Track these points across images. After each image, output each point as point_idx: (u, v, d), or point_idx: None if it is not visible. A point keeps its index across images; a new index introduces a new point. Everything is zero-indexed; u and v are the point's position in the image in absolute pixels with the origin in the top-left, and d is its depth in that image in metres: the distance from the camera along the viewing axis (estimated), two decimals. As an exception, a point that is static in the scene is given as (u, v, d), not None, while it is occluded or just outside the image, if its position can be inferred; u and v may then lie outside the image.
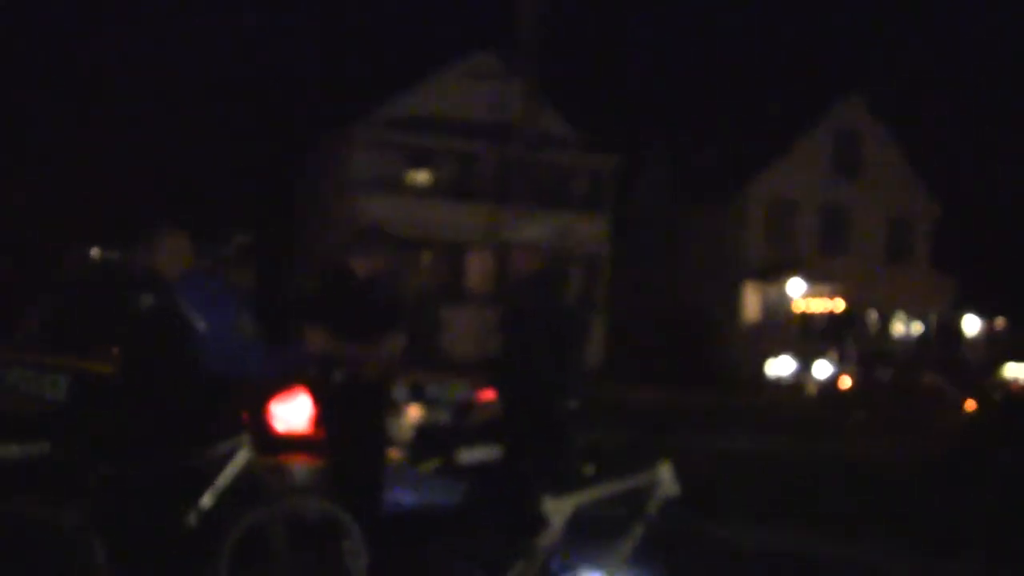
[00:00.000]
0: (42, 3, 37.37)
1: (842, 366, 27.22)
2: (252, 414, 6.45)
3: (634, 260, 41.93)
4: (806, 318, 31.86)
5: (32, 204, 29.89)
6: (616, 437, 11.20)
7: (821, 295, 27.24)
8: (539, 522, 5.63)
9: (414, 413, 7.72)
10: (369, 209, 35.00)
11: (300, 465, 7.17)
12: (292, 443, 7.15)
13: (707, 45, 48.57)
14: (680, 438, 15.09)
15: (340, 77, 42.60)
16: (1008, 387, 25.99)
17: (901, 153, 43.77)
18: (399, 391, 7.54)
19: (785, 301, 35.75)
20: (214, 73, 38.55)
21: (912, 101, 46.31)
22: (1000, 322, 26.77)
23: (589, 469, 6.01)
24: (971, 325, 26.14)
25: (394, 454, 7.27)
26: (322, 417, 7.12)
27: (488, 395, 7.26)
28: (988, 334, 26.81)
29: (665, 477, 5.77)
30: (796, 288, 26.03)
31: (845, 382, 25.57)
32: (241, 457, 6.02)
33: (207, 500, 5.93)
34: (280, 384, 7.20)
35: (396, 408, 7.46)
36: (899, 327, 28.14)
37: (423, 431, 7.03)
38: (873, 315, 29.71)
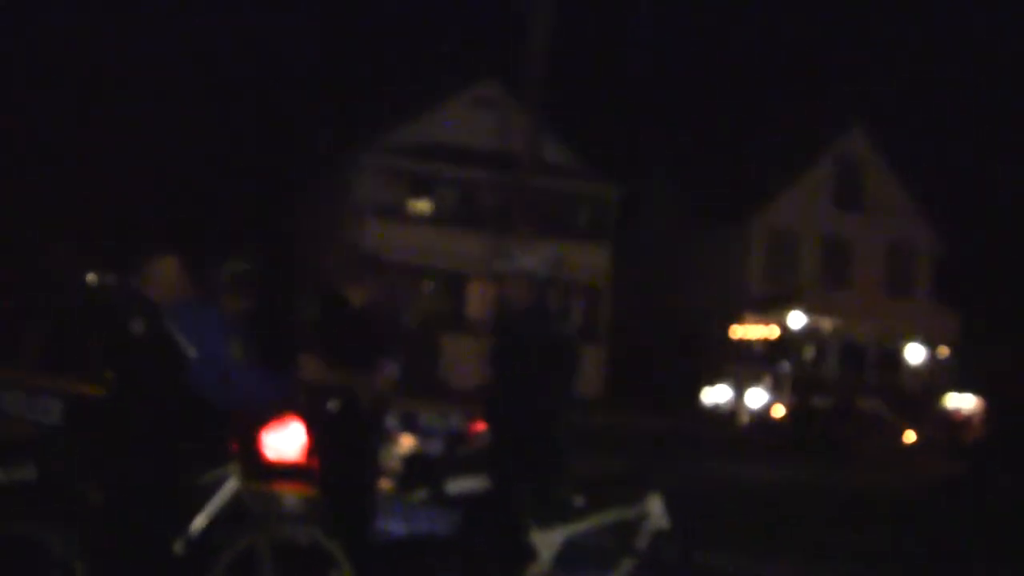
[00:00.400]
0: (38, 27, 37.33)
1: (776, 394, 26.51)
2: (243, 442, 6.43)
3: (636, 290, 41.89)
4: (743, 345, 30.95)
5: (30, 226, 29.90)
6: (608, 467, 11.17)
7: (823, 327, 26.88)
8: (528, 553, 5.62)
9: (406, 443, 7.72)
10: (371, 235, 35.03)
11: (291, 493, 7.15)
12: (284, 471, 7.13)
13: (709, 76, 48.62)
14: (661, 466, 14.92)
15: (347, 104, 42.74)
16: (949, 417, 25.50)
17: (903, 185, 43.73)
18: (392, 420, 7.53)
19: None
20: (220, 96, 38.70)
21: (914, 133, 46.31)
22: (944, 351, 26.17)
23: (579, 500, 5.99)
24: (915, 353, 25.49)
25: (385, 484, 7.25)
26: (314, 446, 7.11)
27: (481, 426, 7.25)
28: (932, 362, 26.13)
29: (655, 510, 5.77)
30: (796, 320, 25.71)
31: (778, 410, 25.01)
32: (230, 484, 6.00)
33: (195, 526, 5.91)
34: (273, 412, 7.19)
35: (388, 437, 7.46)
36: (907, 358, 27.64)
37: (412, 460, 7.02)
38: (873, 347, 29.22)
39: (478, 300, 36.77)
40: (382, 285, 7.52)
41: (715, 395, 28.63)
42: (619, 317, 39.63)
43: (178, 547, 5.87)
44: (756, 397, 26.80)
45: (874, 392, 24.72)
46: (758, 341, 28.91)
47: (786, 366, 26.43)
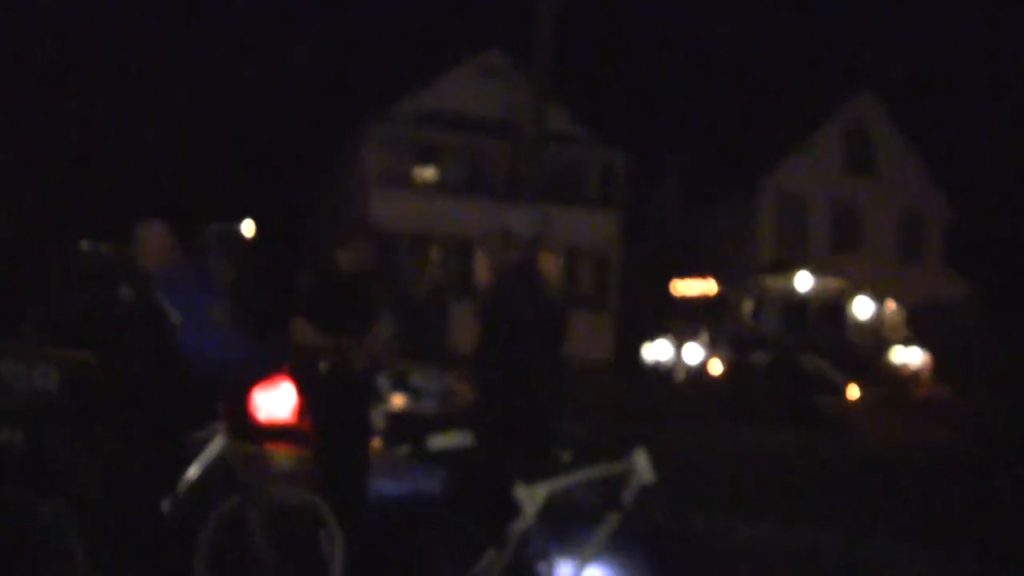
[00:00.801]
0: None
1: (713, 350, 25.67)
2: (233, 403, 6.45)
3: (646, 258, 41.84)
4: (685, 301, 29.58)
5: (28, 197, 29.92)
6: (597, 426, 11.18)
7: (831, 292, 26.23)
8: (512, 509, 5.62)
9: (398, 402, 7.73)
10: (377, 205, 35.03)
11: (281, 454, 7.18)
12: (274, 432, 7.15)
13: (718, 44, 48.44)
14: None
15: (354, 74, 42.80)
16: (896, 372, 24.77)
17: (913, 149, 43.55)
18: (383, 381, 7.54)
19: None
20: (227, 69, 38.70)
21: (924, 97, 46.09)
22: (891, 305, 24.96)
23: (565, 457, 5.98)
24: (863, 308, 24.31)
25: (376, 444, 7.26)
26: (305, 407, 7.12)
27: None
28: (880, 318, 24.84)
29: (641, 464, 5.75)
30: (804, 284, 25.26)
31: (716, 367, 24.49)
32: (216, 445, 6.02)
33: (183, 488, 5.93)
34: (263, 374, 7.20)
35: (379, 398, 7.47)
36: (854, 313, 26.23)
37: (395, 417, 7.02)
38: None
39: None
40: (372, 248, 7.52)
41: (655, 352, 27.61)
42: (629, 285, 39.58)
43: (166, 507, 5.89)
44: (693, 353, 25.86)
45: (817, 348, 23.63)
46: (698, 297, 27.75)
47: (724, 322, 25.33)
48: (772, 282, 25.62)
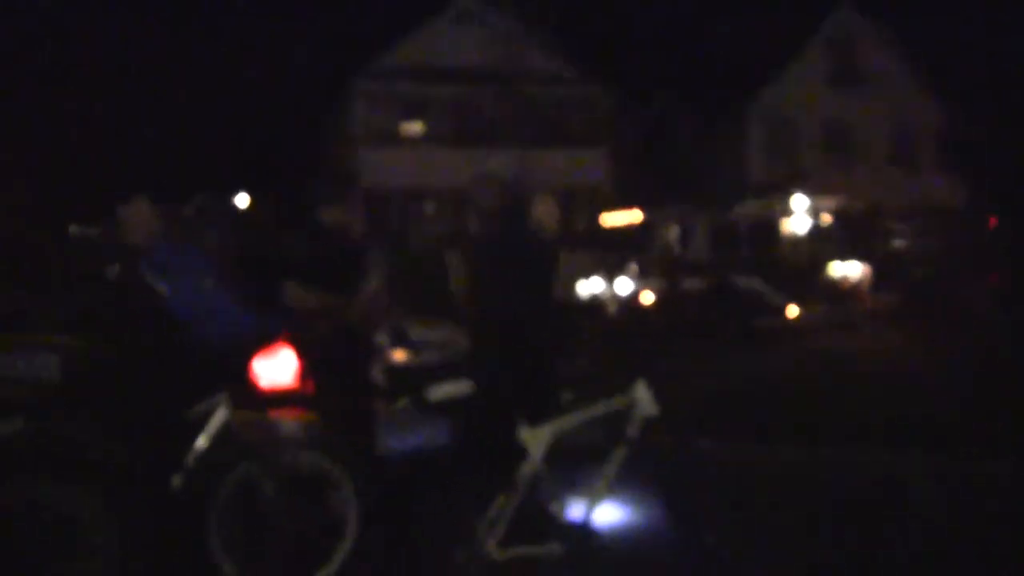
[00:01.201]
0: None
1: (643, 281, 24.55)
2: (233, 372, 6.45)
3: (639, 191, 41.72)
4: (613, 234, 28.68)
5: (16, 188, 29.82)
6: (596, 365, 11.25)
7: (827, 210, 25.83)
8: (519, 453, 5.63)
9: (399, 357, 7.74)
10: (366, 162, 34.95)
11: (287, 419, 7.18)
12: (278, 398, 7.15)
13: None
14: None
15: (335, 32, 42.51)
16: (836, 286, 23.66)
17: (900, 57, 43.29)
18: (382, 337, 7.54)
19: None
20: (210, 30, 38.40)
21: (906, 3, 45.70)
22: (826, 218, 24.11)
23: (568, 396, 5.99)
24: (799, 224, 23.55)
25: (379, 400, 7.28)
26: (307, 370, 7.12)
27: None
28: (815, 232, 24.03)
29: (642, 397, 5.76)
30: (799, 204, 25.00)
31: (647, 297, 23.57)
32: (220, 416, 6.02)
33: (190, 461, 5.94)
34: (261, 341, 7.19)
35: (379, 354, 7.48)
36: (789, 229, 25.29)
37: (393, 371, 7.03)
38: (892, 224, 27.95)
39: (480, 216, 36.68)
40: (358, 205, 7.51)
41: (589, 287, 26.98)
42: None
43: (176, 481, 5.91)
44: (623, 285, 25.27)
45: (751, 269, 22.95)
46: (625, 228, 27.01)
47: (651, 250, 24.63)
48: (759, 207, 25.32)
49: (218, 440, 6.00)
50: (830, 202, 25.42)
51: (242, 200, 23.69)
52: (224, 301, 6.82)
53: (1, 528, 5.46)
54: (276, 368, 7.22)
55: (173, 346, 6.31)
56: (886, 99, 41.81)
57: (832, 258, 23.73)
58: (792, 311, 21.72)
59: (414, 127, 38.76)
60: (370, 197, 32.84)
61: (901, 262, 25.60)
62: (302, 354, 7.15)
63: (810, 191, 25.35)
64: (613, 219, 28.00)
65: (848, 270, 23.80)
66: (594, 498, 5.76)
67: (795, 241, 23.75)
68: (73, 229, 9.71)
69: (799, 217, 23.99)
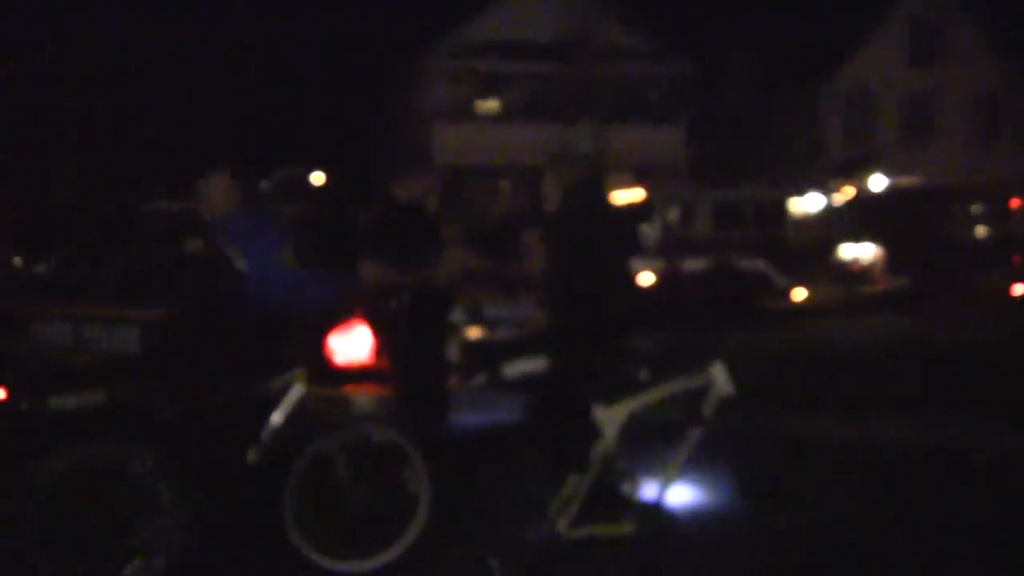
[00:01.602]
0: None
1: (642, 261, 23.93)
2: (309, 348, 6.49)
3: (715, 164, 41.41)
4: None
5: (95, 162, 30.19)
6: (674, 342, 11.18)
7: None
8: (592, 432, 5.61)
9: (474, 334, 7.74)
10: (441, 139, 34.99)
11: (362, 395, 7.22)
12: (353, 374, 7.20)
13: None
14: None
15: (409, 8, 42.58)
16: (846, 268, 22.88)
17: (981, 34, 42.54)
18: (457, 315, 7.55)
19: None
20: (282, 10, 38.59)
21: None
22: (838, 199, 23.02)
23: (643, 375, 5.94)
24: (813, 202, 22.49)
25: (454, 376, 7.29)
26: (382, 346, 7.15)
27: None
28: (829, 213, 22.93)
29: (719, 377, 5.71)
30: (879, 183, 24.57)
31: (647, 278, 21.89)
32: (296, 391, 6.07)
33: (266, 436, 5.99)
34: (337, 316, 7.24)
35: (454, 331, 7.48)
36: (799, 209, 24.25)
37: (470, 347, 7.03)
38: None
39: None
40: (432, 180, 7.53)
41: None
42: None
43: (252, 456, 5.97)
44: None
45: (755, 250, 22.02)
46: (630, 205, 26.12)
47: (648, 230, 23.69)
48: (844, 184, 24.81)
49: (293, 416, 6.05)
50: (909, 181, 24.83)
51: (317, 177, 23.77)
52: (301, 276, 6.86)
53: (86, 488, 5.55)
54: (351, 344, 7.27)
55: (251, 321, 6.36)
56: (966, 74, 41.11)
57: (843, 240, 23.11)
58: (799, 294, 21.06)
59: (490, 103, 38.74)
60: (445, 173, 32.91)
61: (925, 244, 24.29)
62: (377, 330, 7.19)
63: (889, 170, 24.92)
64: (620, 197, 27.38)
65: (860, 252, 23.06)
66: (667, 478, 5.73)
67: (804, 221, 23.02)
68: (155, 204, 9.83)
69: (812, 197, 23.28)
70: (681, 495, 6.43)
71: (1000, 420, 9.48)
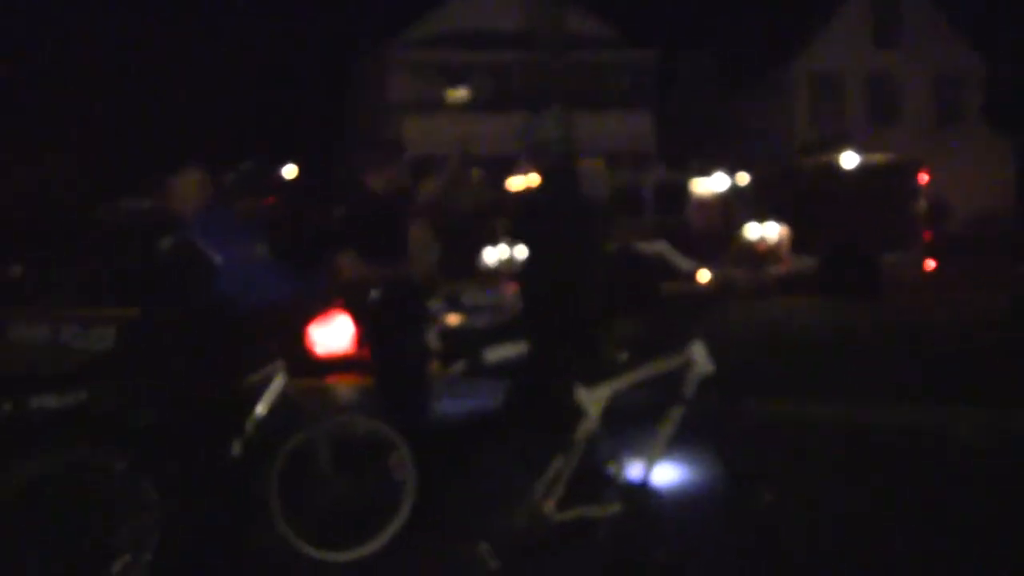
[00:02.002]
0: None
1: None
2: (288, 340, 6.49)
3: (683, 152, 41.52)
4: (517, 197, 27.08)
5: (60, 166, 29.99)
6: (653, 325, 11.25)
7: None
8: (575, 414, 5.63)
9: (452, 321, 7.76)
10: (408, 130, 34.92)
11: (343, 386, 7.24)
12: (334, 365, 7.20)
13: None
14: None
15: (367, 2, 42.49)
16: (752, 249, 22.34)
17: (943, 12, 42.78)
18: (435, 303, 7.57)
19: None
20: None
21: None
22: (742, 178, 22.59)
23: (623, 357, 5.97)
24: (718, 183, 22.11)
25: (436, 366, 7.31)
26: (362, 336, 7.16)
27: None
28: (735, 192, 22.51)
29: (699, 356, 5.74)
30: (849, 162, 24.55)
31: None
32: (277, 384, 6.07)
33: (249, 429, 6.00)
34: (316, 308, 7.24)
35: (433, 319, 7.50)
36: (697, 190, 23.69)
37: (448, 335, 7.05)
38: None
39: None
40: (405, 169, 7.53)
41: (493, 255, 25.68)
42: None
43: (235, 449, 5.97)
44: (521, 253, 23.49)
45: (656, 234, 21.61)
46: (525, 190, 25.44)
47: None
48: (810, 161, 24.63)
49: (276, 408, 6.05)
50: (878, 159, 24.71)
51: (289, 170, 23.58)
52: (276, 269, 6.87)
53: (70, 486, 5.55)
54: (332, 335, 7.28)
55: (228, 315, 6.37)
56: (929, 53, 41.34)
57: (747, 220, 22.62)
58: (703, 276, 20.91)
59: (454, 94, 38.68)
60: (414, 165, 32.95)
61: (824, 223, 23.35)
62: (357, 321, 7.19)
63: (858, 150, 24.85)
64: (514, 183, 26.83)
65: (765, 231, 22.60)
66: (651, 458, 5.75)
67: (707, 202, 22.62)
68: (124, 202, 9.80)
69: (716, 177, 22.92)
70: (666, 474, 6.46)
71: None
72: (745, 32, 43.28)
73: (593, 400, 5.63)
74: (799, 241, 22.42)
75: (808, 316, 17.89)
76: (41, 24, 32.88)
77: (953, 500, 6.83)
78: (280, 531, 5.96)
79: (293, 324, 6.78)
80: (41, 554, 5.44)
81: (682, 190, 22.65)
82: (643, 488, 5.72)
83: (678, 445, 5.87)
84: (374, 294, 7.06)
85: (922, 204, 23.45)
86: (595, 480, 5.73)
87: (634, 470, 5.78)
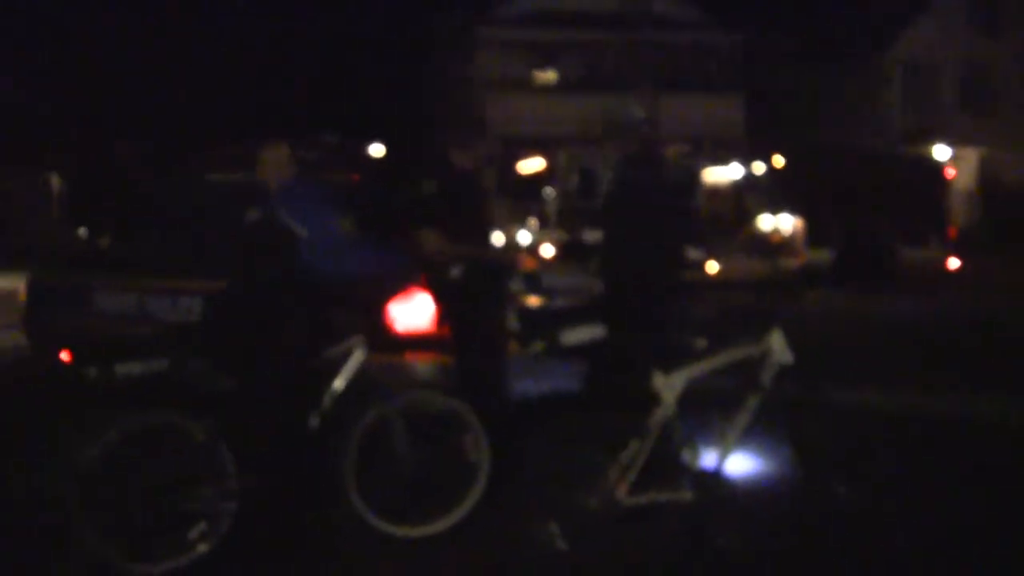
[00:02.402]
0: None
1: (542, 233, 22.56)
2: (368, 316, 6.53)
3: (773, 137, 41.08)
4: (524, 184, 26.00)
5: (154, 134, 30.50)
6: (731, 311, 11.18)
7: (967, 159, 24.44)
8: (651, 400, 5.63)
9: (532, 303, 7.77)
10: (497, 110, 34.94)
11: (422, 362, 7.28)
12: (414, 342, 7.24)
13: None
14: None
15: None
16: (765, 240, 21.69)
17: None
18: (515, 284, 7.57)
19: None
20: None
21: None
22: (759, 167, 21.64)
23: (701, 343, 5.95)
24: (729, 172, 21.27)
25: (514, 346, 7.32)
26: (443, 315, 7.19)
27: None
28: (749, 181, 21.62)
29: (777, 345, 5.71)
30: (942, 154, 24.03)
31: (547, 250, 21.44)
32: (356, 359, 6.13)
33: (327, 401, 6.07)
34: (397, 285, 7.28)
35: (513, 300, 7.51)
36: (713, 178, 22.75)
37: (528, 316, 7.04)
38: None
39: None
40: (489, 149, 7.53)
41: (495, 239, 24.85)
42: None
43: (313, 422, 6.04)
44: (524, 238, 22.76)
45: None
46: (533, 176, 24.67)
47: (547, 199, 22.36)
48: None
49: (355, 382, 6.11)
50: (973, 152, 24.19)
51: (376, 148, 23.70)
52: (359, 244, 6.92)
53: (150, 452, 5.66)
54: (412, 312, 7.31)
55: (311, 288, 6.44)
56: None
57: (761, 210, 22.17)
58: (711, 267, 20.22)
59: (542, 74, 38.62)
60: (501, 145, 33.00)
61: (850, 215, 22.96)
62: (438, 299, 7.22)
63: (951, 140, 24.40)
64: (524, 167, 26.30)
65: (779, 223, 22.13)
66: (726, 446, 5.74)
67: (719, 191, 22.05)
68: (214, 175, 9.89)
69: (731, 165, 22.33)
70: (740, 463, 6.43)
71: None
72: (841, 13, 42.65)
73: (669, 386, 5.62)
74: (815, 234, 22.07)
75: (845, 309, 17.58)
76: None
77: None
78: (353, 504, 6.02)
79: (374, 300, 6.80)
80: (120, 515, 5.57)
81: (693, 175, 22.22)
82: (716, 476, 5.71)
83: (753, 434, 5.85)
84: (456, 272, 7.09)
85: (947, 200, 22.96)
86: (669, 466, 5.72)
87: (708, 458, 5.77)
